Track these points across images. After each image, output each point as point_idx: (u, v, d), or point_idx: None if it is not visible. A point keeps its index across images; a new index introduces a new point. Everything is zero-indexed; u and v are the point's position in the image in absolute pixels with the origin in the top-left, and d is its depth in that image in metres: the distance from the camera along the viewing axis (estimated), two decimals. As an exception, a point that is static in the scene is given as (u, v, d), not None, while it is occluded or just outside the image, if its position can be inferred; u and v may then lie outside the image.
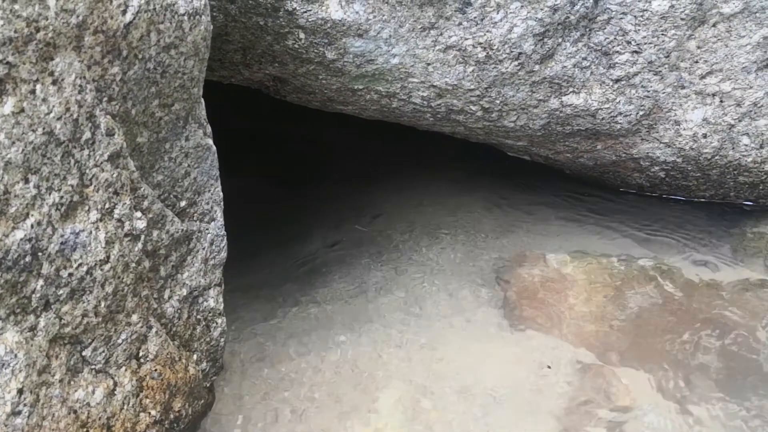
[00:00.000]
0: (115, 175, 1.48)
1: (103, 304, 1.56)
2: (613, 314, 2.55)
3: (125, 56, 1.41)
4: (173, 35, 1.50)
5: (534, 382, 2.34)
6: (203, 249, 1.89)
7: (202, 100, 1.78)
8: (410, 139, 3.46)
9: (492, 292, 2.73)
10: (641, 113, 2.56)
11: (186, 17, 1.52)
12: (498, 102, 2.48)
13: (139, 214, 1.59)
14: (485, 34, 2.26)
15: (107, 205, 1.48)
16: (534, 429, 2.17)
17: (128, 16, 1.36)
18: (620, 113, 2.55)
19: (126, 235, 1.56)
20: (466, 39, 2.26)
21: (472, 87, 2.40)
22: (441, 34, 2.25)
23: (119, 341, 1.65)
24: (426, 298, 2.73)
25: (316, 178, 3.68)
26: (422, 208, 3.31)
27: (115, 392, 1.67)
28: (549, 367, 2.38)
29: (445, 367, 2.41)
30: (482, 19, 2.22)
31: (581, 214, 3.16)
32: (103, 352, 1.62)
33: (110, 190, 1.48)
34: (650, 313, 2.55)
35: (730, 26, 2.39)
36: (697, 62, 2.46)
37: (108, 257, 1.52)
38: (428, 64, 2.33)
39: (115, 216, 1.51)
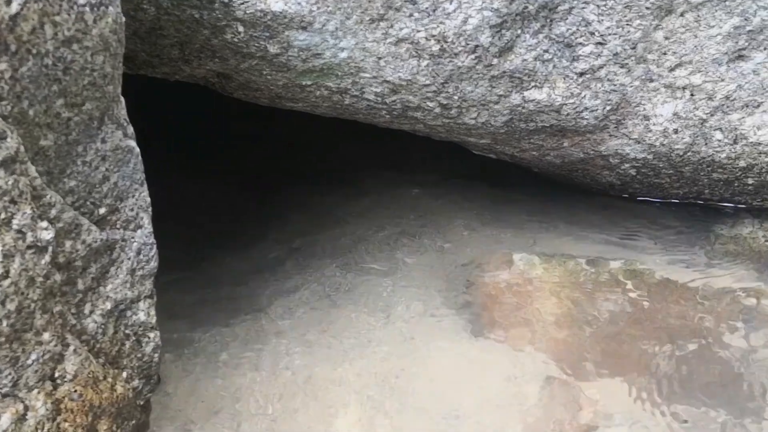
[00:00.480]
0: (10, 183, 1.35)
1: (5, 323, 1.43)
2: (582, 321, 2.44)
3: (14, 51, 1.28)
4: (74, 28, 1.38)
5: (499, 397, 2.22)
6: (129, 259, 1.77)
7: (122, 99, 1.65)
8: (386, 140, 3.35)
9: (458, 298, 2.62)
10: (608, 108, 2.45)
11: (88, 8, 1.39)
12: (456, 98, 2.36)
13: (44, 223, 1.46)
14: (438, 26, 2.13)
15: (2, 216, 1.35)
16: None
17: (14, 7, 1.23)
18: (586, 108, 2.43)
19: (29, 247, 1.43)
20: (419, 31, 2.14)
21: (428, 82, 2.28)
22: (391, 26, 2.13)
23: (29, 362, 1.52)
24: (390, 306, 2.61)
25: (286, 179, 3.55)
26: (390, 212, 3.19)
27: (27, 417, 1.54)
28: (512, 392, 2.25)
29: (407, 382, 2.28)
30: (434, 10, 2.10)
31: (551, 216, 3.05)
32: (10, 374, 1.49)
33: (5, 198, 1.35)
34: (621, 320, 2.44)
35: (698, 15, 2.27)
36: (665, 54, 2.34)
37: (7, 272, 1.39)
38: (380, 58, 2.20)
39: (14, 227, 1.38)
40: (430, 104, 2.38)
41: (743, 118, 2.48)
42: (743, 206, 2.80)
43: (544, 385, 2.23)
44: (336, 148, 3.70)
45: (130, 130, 1.69)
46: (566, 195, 3.10)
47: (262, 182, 3.54)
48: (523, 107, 2.42)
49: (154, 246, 1.85)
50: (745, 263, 2.61)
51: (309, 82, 2.28)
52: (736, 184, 2.68)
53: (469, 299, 2.59)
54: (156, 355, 1.92)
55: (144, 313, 1.85)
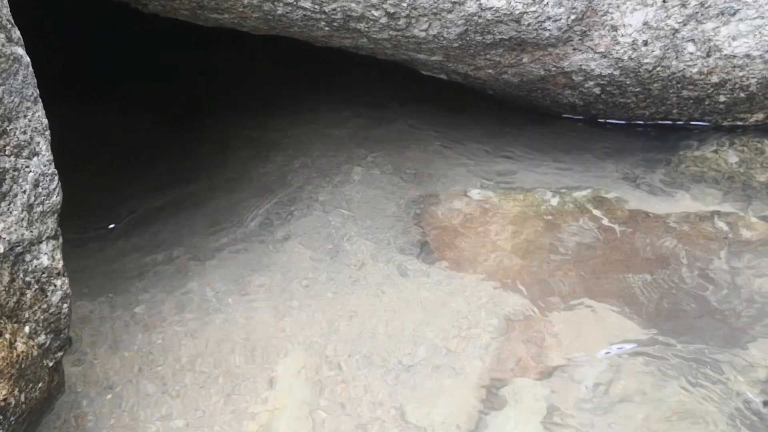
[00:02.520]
0: None
1: None
2: (544, 252, 2.30)
3: None
4: None
5: (454, 339, 2.06)
6: (24, 193, 1.51)
7: (3, -4, 1.37)
8: (320, 66, 3.10)
9: (410, 233, 2.44)
10: (573, 17, 2.26)
11: None
12: (405, 5, 2.13)
13: None
14: None
15: None
16: (454, 397, 1.89)
17: None
18: (549, 18, 2.24)
19: None
20: (362, -76, 1.89)
21: (373, -14, 2.04)
22: None
23: None
24: (336, 245, 2.42)
25: (211, 110, 3.28)
26: (331, 142, 2.96)
27: None
28: (467, 327, 2.10)
29: (356, 327, 2.11)
30: None
31: (508, 143, 2.87)
32: None
33: None
34: (586, 249, 2.31)
35: None
36: (636, -46, 2.15)
37: None
38: (317, -42, 1.95)
39: None
40: (376, 13, 2.15)
41: (718, 27, 2.32)
42: (711, 126, 2.66)
43: (505, 321, 2.10)
44: (274, 76, 3.43)
45: (16, 34, 1.42)
46: (524, 118, 2.93)
47: (195, 114, 3.25)
48: (480, 16, 2.21)
49: (56, 177, 1.59)
50: (712, 185, 2.49)
51: (235, -13, 2.02)
52: (706, 102, 2.54)
53: (422, 234, 2.42)
54: (65, 305, 1.67)
55: (47, 256, 1.60)
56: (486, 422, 1.84)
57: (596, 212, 2.40)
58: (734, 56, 2.37)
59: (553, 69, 2.47)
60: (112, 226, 2.57)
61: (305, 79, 3.32)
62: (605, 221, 2.37)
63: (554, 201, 2.45)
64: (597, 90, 2.55)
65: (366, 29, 2.23)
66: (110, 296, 2.21)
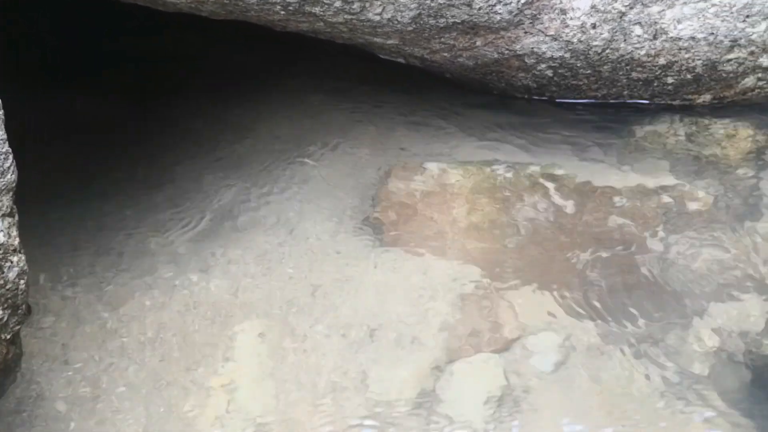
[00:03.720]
0: None
1: None
2: (500, 228, 2.38)
3: None
4: None
5: (414, 311, 2.15)
6: (-22, 171, 1.56)
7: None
8: (283, 49, 3.16)
9: (369, 210, 2.51)
10: (523, 1, 2.34)
11: None
12: (358, -11, 2.19)
13: None
14: None
15: None
16: (412, 367, 1.98)
17: None
18: (499, 1, 2.32)
19: None
20: None
21: (325, -30, 2.10)
22: None
23: None
24: (295, 223, 2.50)
25: (176, 95, 3.32)
26: (294, 123, 3.02)
27: None
28: (421, 303, 2.18)
29: (315, 301, 2.19)
30: None
31: (468, 122, 2.94)
32: None
33: None
34: (541, 225, 2.39)
35: None
36: (582, -61, 2.22)
37: None
38: (269, -57, 2.01)
39: None
40: (330, -3, 2.21)
41: (663, 11, 2.40)
42: (663, 105, 2.74)
43: (460, 296, 2.17)
44: (236, 57, 3.47)
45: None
46: (483, 99, 2.98)
47: (156, 98, 3.29)
48: (432, 0, 2.27)
49: (10, 155, 1.65)
50: (662, 162, 2.58)
51: (190, -29, 2.08)
52: (655, 84, 2.62)
53: (381, 211, 2.49)
54: (22, 282, 1.73)
55: (3, 233, 1.67)
56: (441, 391, 1.93)
57: (549, 187, 2.48)
58: (680, 39, 2.45)
59: (506, 52, 2.54)
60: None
61: (264, 61, 3.36)
62: (557, 197, 2.46)
63: (509, 175, 2.52)
64: (549, 72, 2.62)
65: (321, 13, 2.29)
66: (71, 272, 2.27)
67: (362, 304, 2.17)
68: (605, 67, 2.56)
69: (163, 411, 1.90)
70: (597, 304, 2.14)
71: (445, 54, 2.60)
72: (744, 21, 2.43)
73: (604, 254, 2.29)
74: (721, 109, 2.72)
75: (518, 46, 2.50)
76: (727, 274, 2.21)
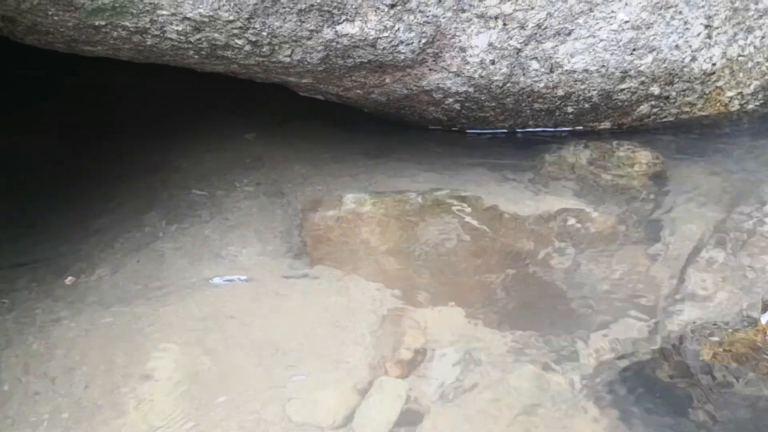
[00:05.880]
0: None
1: None
2: (410, 250, 2.53)
3: None
4: None
5: (327, 332, 2.29)
6: None
7: None
8: (214, 83, 3.31)
9: (290, 239, 2.66)
10: (424, 41, 2.51)
11: None
12: (265, 34, 2.35)
13: None
14: (234, -43, 2.12)
15: None
16: (327, 384, 2.11)
17: None
18: (401, 42, 2.48)
19: None
20: (214, -37, 2.12)
21: (232, 18, 2.27)
22: (184, -41, 2.10)
23: None
24: (223, 251, 2.63)
25: (106, 129, 3.45)
26: (221, 155, 3.17)
27: None
28: (336, 324, 2.31)
29: (234, 324, 2.32)
30: (227, -60, 2.08)
31: (387, 154, 3.12)
32: None
33: None
34: (450, 246, 2.55)
35: (502, -58, 2.35)
36: (474, -17, 2.42)
37: None
38: (176, -6, 2.17)
39: None
40: (239, 42, 2.37)
41: (556, 46, 2.60)
42: (567, 133, 2.94)
43: (373, 314, 2.32)
44: (169, 94, 3.62)
45: None
46: (403, 132, 3.16)
47: (90, 133, 3.42)
48: (338, 42, 2.45)
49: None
50: (567, 186, 2.76)
51: (103, 22, 2.22)
52: (557, 114, 2.82)
53: (302, 239, 2.63)
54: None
55: None
56: (359, 408, 2.05)
57: (459, 212, 2.65)
58: (574, 71, 2.65)
59: (415, 88, 2.72)
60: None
61: (200, 98, 3.51)
62: (467, 220, 2.62)
63: (420, 202, 2.69)
64: (457, 106, 2.81)
65: (233, 56, 2.46)
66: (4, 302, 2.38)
67: (277, 327, 2.30)
68: (508, 99, 2.75)
69: None
70: (503, 319, 2.29)
71: (358, 91, 2.77)
72: (631, 54, 2.64)
73: (512, 272, 2.45)
74: (621, 134, 2.93)
75: (425, 82, 2.68)
76: (626, 289, 2.38)
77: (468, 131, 3.04)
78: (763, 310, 2.04)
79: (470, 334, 2.27)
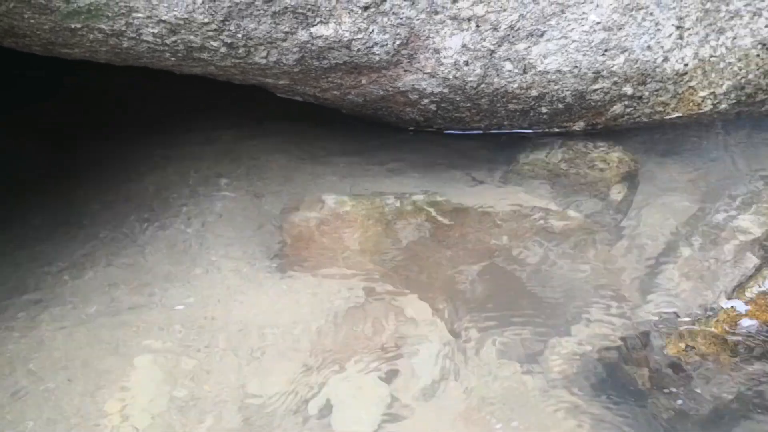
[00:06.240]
0: None
1: None
2: (386, 248, 2.57)
3: None
4: None
5: (304, 328, 2.35)
6: None
7: None
8: (200, 85, 3.36)
9: (269, 239, 2.71)
10: (398, 42, 2.56)
11: None
12: (240, 36, 2.40)
13: None
14: (207, -40, 2.16)
15: None
16: (296, 380, 2.16)
17: None
18: (376, 43, 2.53)
19: None
20: (187, -34, 2.16)
21: (207, 20, 2.31)
22: (158, -38, 2.14)
23: None
24: (203, 253, 2.68)
25: (90, 132, 3.50)
26: (205, 156, 3.22)
27: None
28: (315, 320, 2.36)
29: (212, 323, 2.38)
30: (200, -56, 2.13)
31: (367, 155, 3.17)
32: None
33: None
34: (424, 245, 2.59)
35: (473, -55, 2.40)
36: (447, -15, 2.46)
37: None
38: (151, -3, 2.22)
39: None
40: (214, 44, 2.41)
41: (529, 47, 2.65)
42: (542, 133, 2.99)
43: (349, 313, 2.37)
44: (148, 96, 3.66)
45: None
46: (381, 133, 3.21)
47: (65, 136, 3.46)
48: (313, 44, 2.49)
49: None
50: (542, 185, 2.81)
51: (79, 25, 2.26)
52: (531, 114, 2.86)
53: (281, 240, 2.68)
54: None
55: None
56: (324, 400, 2.11)
57: (434, 212, 2.70)
58: (547, 72, 2.70)
59: (391, 89, 2.76)
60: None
61: (185, 100, 3.56)
62: (441, 219, 2.67)
63: (397, 204, 2.73)
64: (433, 107, 2.85)
65: (209, 58, 2.50)
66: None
67: (255, 327, 2.35)
68: (483, 100, 2.79)
69: None
70: (476, 316, 2.34)
71: (335, 92, 2.82)
72: (603, 54, 2.69)
73: (485, 269, 2.50)
74: (595, 135, 2.98)
75: (400, 84, 2.73)
76: (594, 284, 2.43)
77: (445, 132, 3.08)
78: (725, 304, 2.09)
79: (440, 326, 2.32)
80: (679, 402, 1.95)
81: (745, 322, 2.03)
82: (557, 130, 2.98)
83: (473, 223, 2.66)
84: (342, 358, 2.23)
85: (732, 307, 2.07)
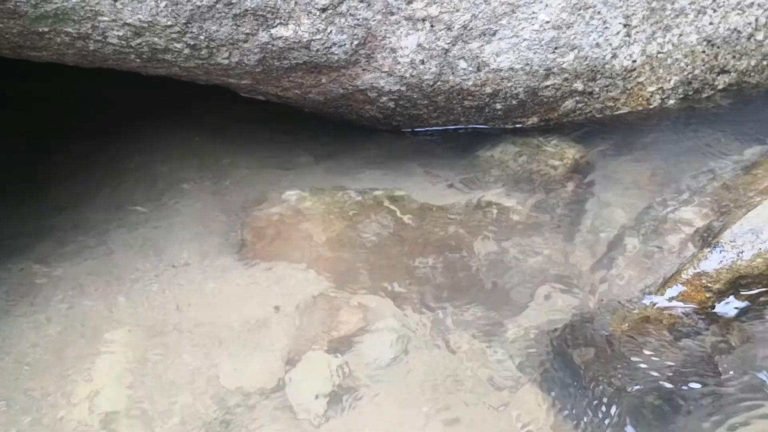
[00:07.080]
0: None
1: None
2: (347, 242, 2.70)
3: None
4: None
5: (266, 318, 2.47)
6: None
7: None
8: (170, 91, 3.47)
9: (234, 235, 2.83)
10: (356, 43, 2.68)
11: None
12: (203, 38, 2.51)
13: None
14: (168, -34, 2.27)
15: None
16: (259, 365, 2.30)
17: None
18: (334, 44, 2.65)
19: None
20: (149, -29, 2.27)
21: (170, 23, 2.42)
22: (121, -32, 2.25)
23: None
24: (167, 248, 2.80)
25: (60, 138, 3.59)
26: (170, 161, 3.33)
27: None
28: (277, 308, 2.48)
29: (179, 314, 2.50)
30: (161, -50, 2.24)
31: (331, 152, 3.29)
32: None
33: None
34: (385, 238, 2.72)
35: (424, -51, 2.53)
36: (401, -13, 2.59)
37: None
38: (116, 0, 2.32)
39: None
40: (178, 45, 2.53)
41: (482, 46, 2.78)
42: (499, 128, 3.13)
43: (310, 301, 2.50)
44: (115, 100, 3.75)
45: None
46: (344, 132, 3.33)
47: (38, 139, 3.56)
48: (273, 45, 2.61)
49: None
50: (497, 180, 2.94)
51: (46, 29, 2.37)
52: (487, 110, 3.00)
53: (243, 235, 2.79)
54: None
55: None
56: (287, 382, 2.25)
57: (393, 207, 2.82)
58: (500, 70, 2.84)
59: (350, 87, 2.89)
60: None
61: (151, 102, 3.66)
62: (400, 214, 2.80)
63: (358, 199, 2.86)
64: (391, 104, 2.98)
65: (174, 59, 2.61)
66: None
67: (218, 317, 2.47)
68: (440, 97, 2.93)
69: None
70: (433, 303, 2.48)
71: (296, 91, 2.94)
72: (554, 52, 2.83)
73: (442, 260, 2.63)
74: (549, 130, 3.12)
75: (359, 82, 2.85)
76: (546, 273, 2.56)
77: (404, 130, 3.21)
78: (665, 287, 2.23)
79: (400, 315, 2.45)
80: (618, 377, 2.09)
81: (681, 304, 2.17)
82: (512, 125, 3.12)
83: (432, 217, 2.79)
84: (302, 346, 2.35)
85: (670, 289, 2.21)
